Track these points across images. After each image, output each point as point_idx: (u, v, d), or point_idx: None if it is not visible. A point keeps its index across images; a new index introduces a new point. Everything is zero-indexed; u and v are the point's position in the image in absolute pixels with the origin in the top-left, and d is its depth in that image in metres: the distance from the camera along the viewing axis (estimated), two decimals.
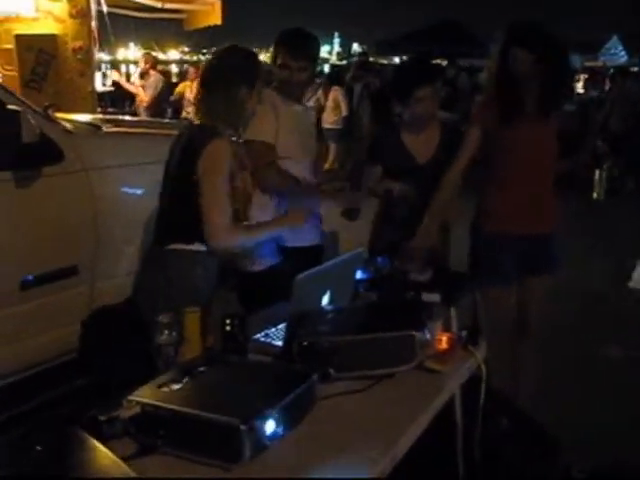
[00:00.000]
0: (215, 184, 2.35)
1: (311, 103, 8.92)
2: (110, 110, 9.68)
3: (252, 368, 1.84)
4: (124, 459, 1.53)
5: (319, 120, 9.76)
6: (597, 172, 9.45)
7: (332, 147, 10.47)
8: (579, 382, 3.82)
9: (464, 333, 2.23)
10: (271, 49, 3.12)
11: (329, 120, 10.36)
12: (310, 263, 2.23)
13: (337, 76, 12.10)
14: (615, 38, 23.31)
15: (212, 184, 2.35)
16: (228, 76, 2.43)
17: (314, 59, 3.07)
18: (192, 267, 2.41)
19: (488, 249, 3.12)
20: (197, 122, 2.49)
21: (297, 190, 3.01)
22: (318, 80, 10.59)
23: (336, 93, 10.44)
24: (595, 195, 9.51)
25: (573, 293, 4.91)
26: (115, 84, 9.08)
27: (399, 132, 3.29)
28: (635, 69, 15.60)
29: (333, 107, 10.38)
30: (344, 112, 10.39)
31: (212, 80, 2.46)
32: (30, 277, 2.97)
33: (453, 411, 2.34)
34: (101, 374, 2.89)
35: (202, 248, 2.40)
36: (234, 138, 2.53)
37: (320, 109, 10.08)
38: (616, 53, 22.64)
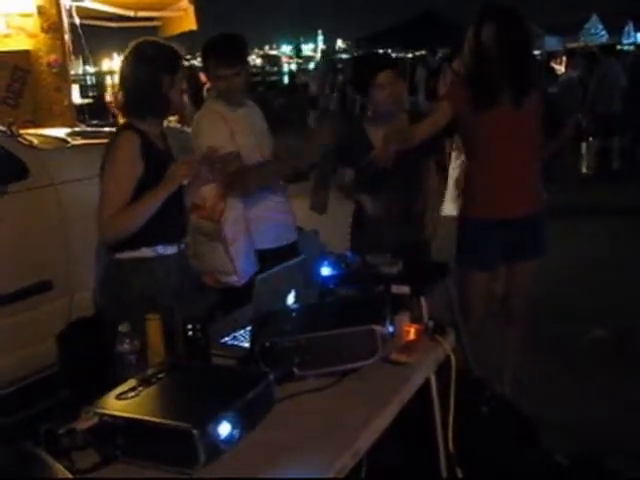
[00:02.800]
0: (106, 176, 2.33)
1: None
2: (93, 123, 9.66)
3: (210, 373, 1.84)
4: (84, 471, 1.54)
5: None
6: (584, 145, 9.40)
7: None
8: (563, 365, 3.82)
9: (431, 323, 2.23)
10: (256, 49, 3.11)
11: None
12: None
13: None
14: (595, 17, 23.27)
15: (105, 176, 2.33)
16: (146, 68, 2.38)
17: (246, 61, 3.05)
18: (138, 275, 2.37)
19: (472, 234, 3.13)
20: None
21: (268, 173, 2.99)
22: None
23: None
24: (584, 169, 9.46)
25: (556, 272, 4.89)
26: (95, 97, 9.07)
27: (364, 129, 3.26)
28: (617, 47, 15.55)
29: None
30: None
31: (131, 75, 2.41)
32: (3, 294, 2.96)
33: (430, 400, 2.34)
34: (79, 386, 2.88)
35: (148, 254, 2.38)
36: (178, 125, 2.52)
37: None
38: (596, 33, 22.60)
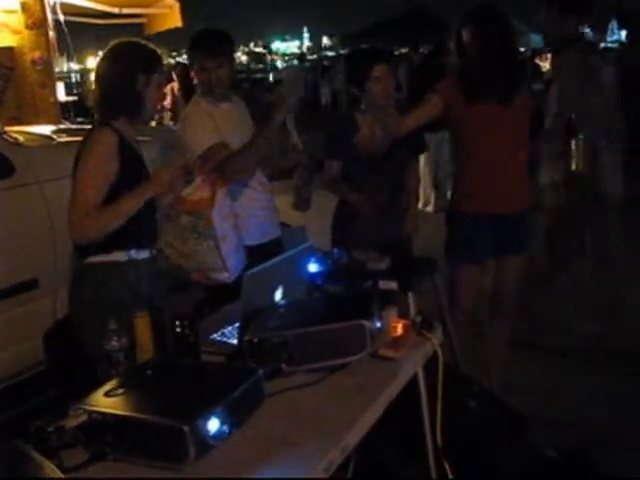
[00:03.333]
0: (80, 173, 2.26)
1: None
2: (79, 120, 9.60)
3: (198, 369, 1.84)
4: (73, 469, 1.53)
5: None
6: (573, 142, 9.43)
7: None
8: (552, 360, 3.84)
9: (419, 318, 2.24)
10: (241, 46, 3.11)
11: None
12: (274, 257, 2.24)
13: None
14: None
15: (78, 173, 2.27)
16: (122, 67, 2.37)
17: (230, 55, 3.05)
18: (109, 280, 2.33)
19: (463, 229, 3.15)
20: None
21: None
22: None
23: None
24: (574, 166, 9.50)
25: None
26: (79, 94, 9.00)
27: (356, 122, 3.26)
28: (602, 44, 15.66)
29: None
30: None
31: (106, 73, 2.40)
32: None
33: (418, 395, 2.35)
34: (67, 384, 2.87)
35: (121, 258, 2.35)
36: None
37: None
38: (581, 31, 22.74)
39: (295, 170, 3.58)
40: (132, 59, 2.39)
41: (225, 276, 2.91)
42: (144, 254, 2.43)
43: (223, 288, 2.88)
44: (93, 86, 2.46)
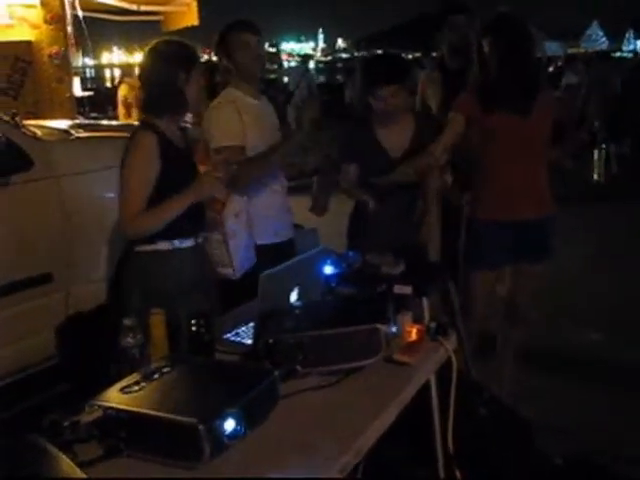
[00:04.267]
0: (125, 174, 2.40)
1: None
2: (93, 115, 9.63)
3: (215, 368, 1.84)
4: (88, 463, 1.53)
5: None
6: (595, 152, 9.21)
7: None
8: (560, 368, 3.83)
9: (433, 324, 2.23)
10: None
11: None
12: (286, 258, 2.24)
13: None
14: (595, 23, 23.46)
15: (124, 174, 2.40)
16: (163, 66, 2.46)
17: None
18: (153, 268, 2.45)
19: (480, 235, 3.16)
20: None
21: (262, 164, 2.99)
22: None
23: None
24: (595, 176, 9.28)
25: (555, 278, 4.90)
26: (94, 89, 9.04)
27: (371, 127, 3.26)
28: (617, 54, 15.66)
29: None
30: None
31: (148, 73, 2.50)
32: (3, 285, 2.96)
33: (430, 400, 2.35)
34: (79, 379, 2.88)
35: (165, 247, 2.44)
36: (187, 125, 2.56)
37: None
38: (597, 39, 22.80)
39: (315, 174, 3.57)
40: (171, 58, 2.47)
41: (230, 272, 2.92)
42: (188, 242, 2.53)
43: (227, 284, 2.90)
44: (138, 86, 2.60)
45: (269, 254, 2.91)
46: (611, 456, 2.87)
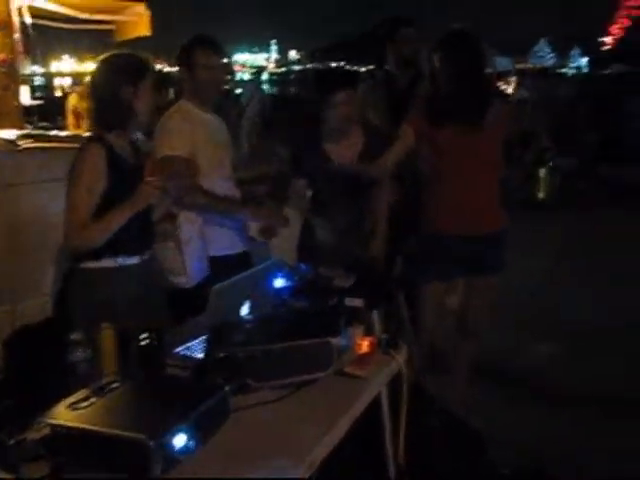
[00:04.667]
0: (71, 186, 2.39)
1: None
2: (42, 125, 9.44)
3: (164, 383, 1.83)
4: None
5: None
6: (542, 170, 8.83)
7: None
8: (515, 381, 3.89)
9: (384, 337, 2.25)
10: None
11: None
12: (240, 271, 2.23)
13: None
14: (543, 41, 24.11)
15: (70, 186, 2.39)
16: (110, 79, 2.45)
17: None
18: (99, 285, 2.43)
19: (431, 247, 3.19)
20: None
21: (222, 207, 3.01)
22: None
23: None
24: (541, 195, 8.95)
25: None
26: (44, 98, 8.87)
27: (320, 141, 3.29)
28: (563, 70, 16.10)
29: None
30: None
31: (96, 86, 2.48)
32: None
33: (381, 412, 2.36)
34: (23, 395, 2.81)
35: (110, 264, 2.44)
36: (138, 137, 2.56)
37: None
38: (543, 56, 23.41)
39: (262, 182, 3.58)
40: (119, 71, 2.45)
41: (183, 281, 2.91)
42: (133, 260, 2.51)
43: (180, 293, 2.88)
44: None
45: (223, 266, 2.89)
46: (564, 467, 2.91)
